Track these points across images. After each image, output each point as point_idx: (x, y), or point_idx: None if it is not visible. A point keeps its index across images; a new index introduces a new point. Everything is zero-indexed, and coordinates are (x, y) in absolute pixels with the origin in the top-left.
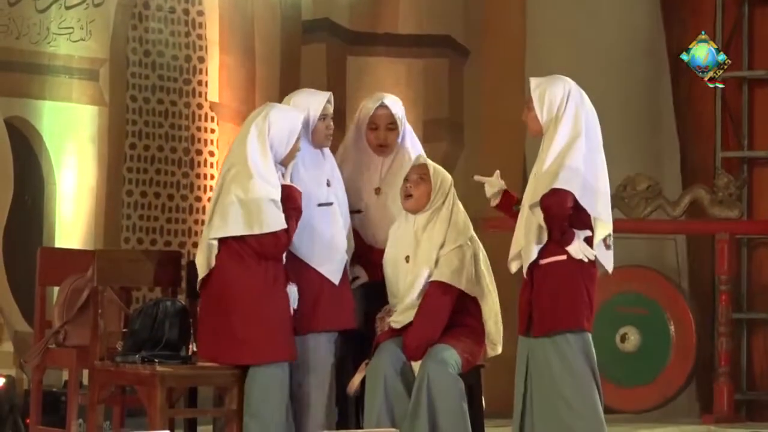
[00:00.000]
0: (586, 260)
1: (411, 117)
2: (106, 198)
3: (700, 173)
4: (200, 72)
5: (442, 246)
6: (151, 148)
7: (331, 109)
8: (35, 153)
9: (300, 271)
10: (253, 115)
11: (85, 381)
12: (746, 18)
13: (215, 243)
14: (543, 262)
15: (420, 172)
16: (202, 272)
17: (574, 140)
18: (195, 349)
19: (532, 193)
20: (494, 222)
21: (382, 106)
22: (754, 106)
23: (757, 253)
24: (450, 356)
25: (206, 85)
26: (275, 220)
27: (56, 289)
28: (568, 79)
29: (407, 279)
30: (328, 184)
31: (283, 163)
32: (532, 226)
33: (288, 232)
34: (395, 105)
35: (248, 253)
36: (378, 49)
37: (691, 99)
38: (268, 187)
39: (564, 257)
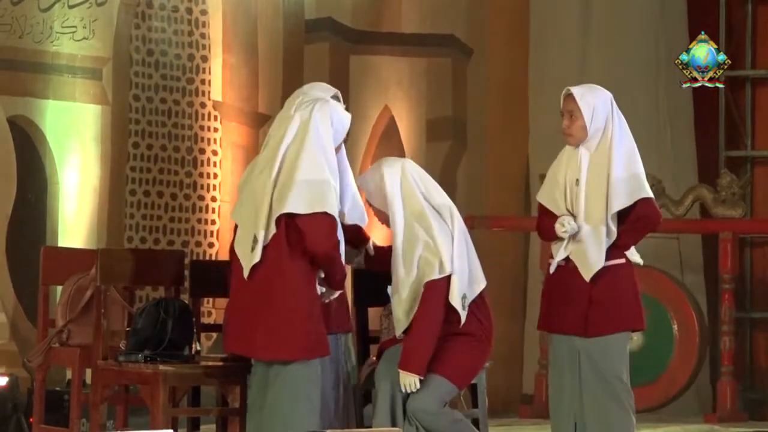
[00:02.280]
0: (641, 264)
1: (414, 116)
2: (109, 197)
3: (703, 172)
4: (203, 71)
5: (406, 262)
6: (154, 148)
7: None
8: (38, 152)
9: None
10: (308, 104)
11: (88, 380)
12: (750, 17)
13: (271, 225)
14: (607, 264)
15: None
16: (255, 259)
17: (633, 149)
18: (198, 348)
19: (601, 200)
20: (498, 221)
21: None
22: (757, 105)
23: (760, 252)
24: (430, 400)
25: (209, 84)
26: (334, 206)
27: (59, 288)
28: (605, 89)
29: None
30: None
31: None
32: (600, 231)
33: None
34: None
35: (296, 240)
36: (381, 48)
37: (694, 98)
38: (330, 172)
39: (623, 260)
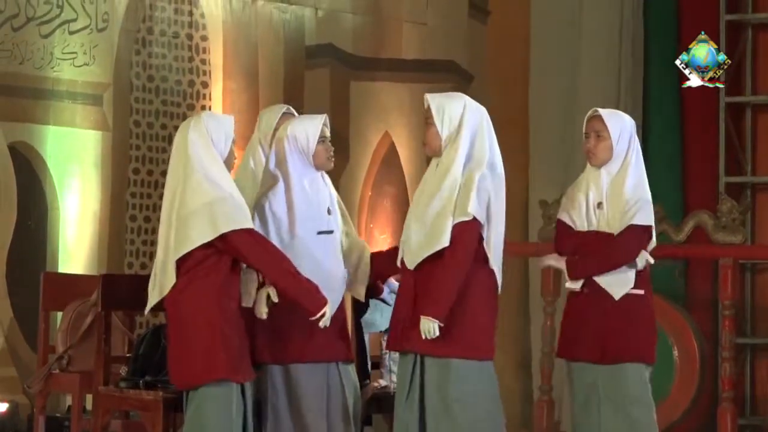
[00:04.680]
0: (652, 262)
1: (414, 142)
2: (110, 223)
3: (704, 198)
4: (204, 97)
5: (448, 175)
6: (154, 173)
7: (328, 132)
8: (39, 178)
9: None
10: (183, 128)
11: (89, 406)
12: (749, 43)
13: (173, 265)
14: (631, 292)
15: (426, 115)
16: (154, 299)
17: (643, 175)
18: None
19: (621, 222)
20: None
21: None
22: (758, 132)
23: (760, 278)
24: (481, 401)
25: (210, 110)
26: (242, 217)
27: (60, 314)
28: (627, 115)
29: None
30: (329, 212)
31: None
32: None
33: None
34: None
35: (214, 264)
36: (381, 74)
37: (694, 123)
38: (222, 188)
39: (642, 291)
